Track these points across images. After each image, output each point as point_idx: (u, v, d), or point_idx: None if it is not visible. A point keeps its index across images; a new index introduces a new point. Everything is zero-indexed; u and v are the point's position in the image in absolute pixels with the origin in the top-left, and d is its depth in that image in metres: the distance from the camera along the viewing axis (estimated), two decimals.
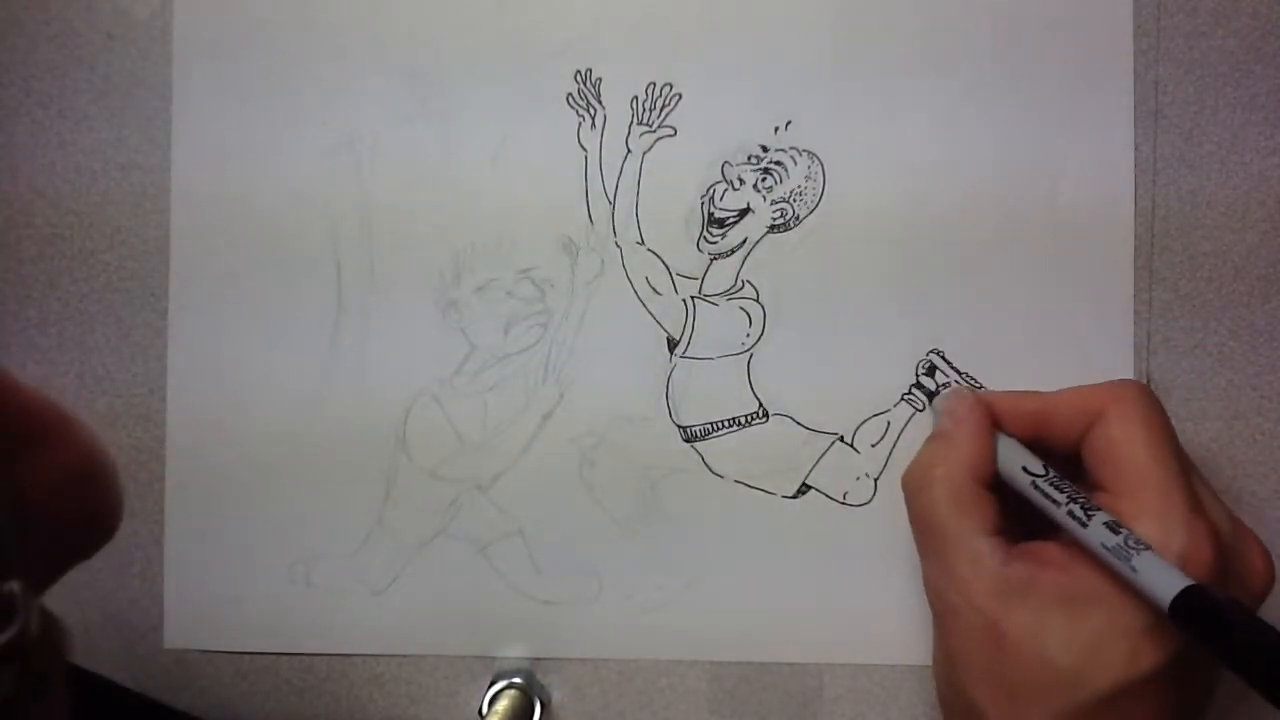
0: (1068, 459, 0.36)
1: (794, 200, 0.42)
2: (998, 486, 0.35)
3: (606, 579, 0.42)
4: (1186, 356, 0.42)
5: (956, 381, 0.41)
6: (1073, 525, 0.32)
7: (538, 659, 0.42)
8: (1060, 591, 0.32)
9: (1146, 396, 0.34)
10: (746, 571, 0.42)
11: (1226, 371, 0.42)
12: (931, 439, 0.37)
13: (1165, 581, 0.29)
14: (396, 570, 0.42)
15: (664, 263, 0.42)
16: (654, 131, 0.42)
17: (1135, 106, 0.41)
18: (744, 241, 0.42)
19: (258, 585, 0.42)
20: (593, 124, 0.42)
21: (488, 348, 0.42)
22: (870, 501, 0.42)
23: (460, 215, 0.42)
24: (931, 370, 0.41)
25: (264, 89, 0.42)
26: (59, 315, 0.43)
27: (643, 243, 0.42)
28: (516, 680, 0.41)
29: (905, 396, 0.42)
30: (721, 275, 0.42)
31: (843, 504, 0.42)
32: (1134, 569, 0.30)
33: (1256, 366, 0.42)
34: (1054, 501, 0.33)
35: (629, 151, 0.42)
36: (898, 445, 0.41)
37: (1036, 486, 0.33)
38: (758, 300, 0.42)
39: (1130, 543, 0.30)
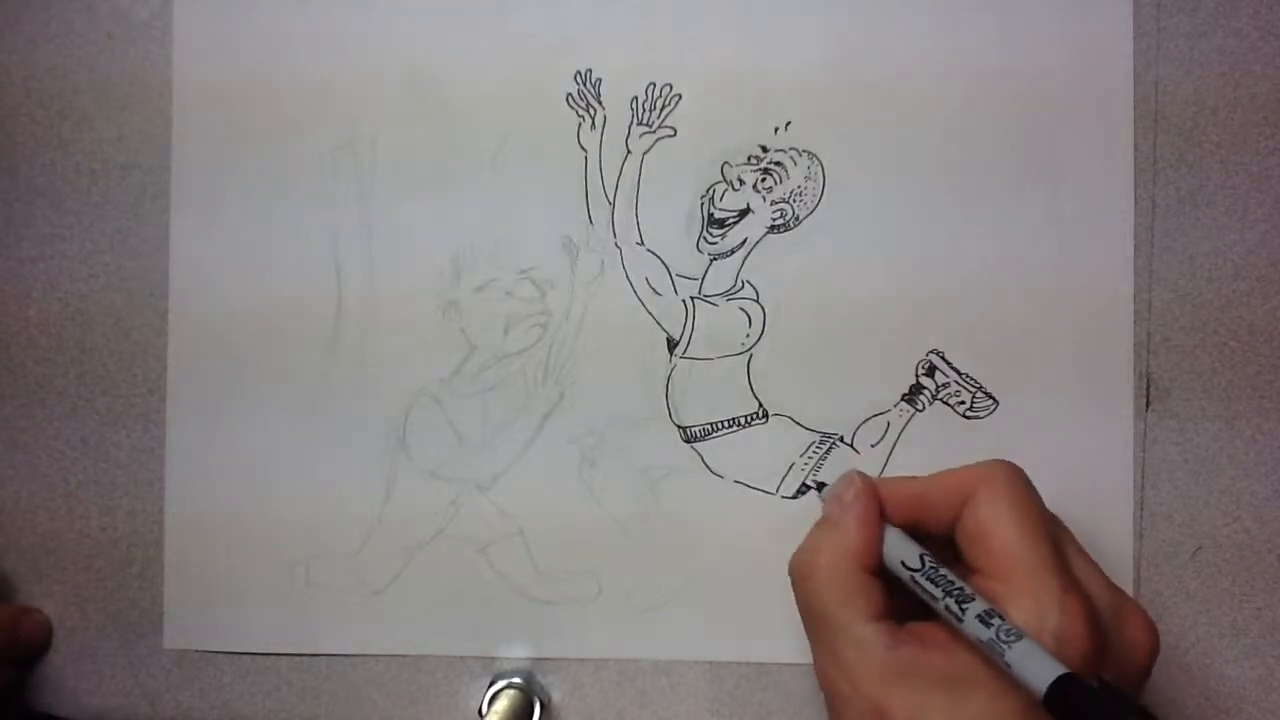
0: (948, 541, 0.35)
1: (794, 200, 0.42)
2: (883, 571, 0.35)
3: (606, 579, 0.42)
4: (1186, 356, 0.42)
5: (956, 382, 0.41)
6: (949, 618, 0.32)
7: (538, 659, 0.42)
8: (942, 674, 0.32)
9: (1013, 475, 0.34)
10: (746, 571, 0.42)
11: (1226, 371, 0.42)
12: (819, 525, 0.36)
13: (1039, 671, 0.29)
14: (396, 570, 0.42)
15: (664, 263, 0.42)
16: (654, 131, 0.42)
17: (1135, 106, 0.41)
18: (744, 242, 0.42)
19: (258, 585, 0.42)
20: (593, 124, 0.42)
21: (488, 348, 0.42)
22: None
23: (460, 215, 0.42)
24: (931, 370, 0.41)
25: (264, 89, 0.42)
26: (59, 316, 0.43)
27: (643, 243, 0.42)
28: (516, 680, 0.41)
29: (905, 396, 0.42)
30: (721, 275, 0.42)
31: None
32: (1008, 663, 0.30)
33: (1256, 366, 0.42)
34: (931, 595, 0.33)
35: (629, 152, 0.42)
36: (898, 445, 0.41)
37: (915, 581, 0.34)
38: (758, 300, 0.42)
39: (1002, 635, 0.30)
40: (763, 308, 0.42)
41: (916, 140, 0.42)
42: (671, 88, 0.42)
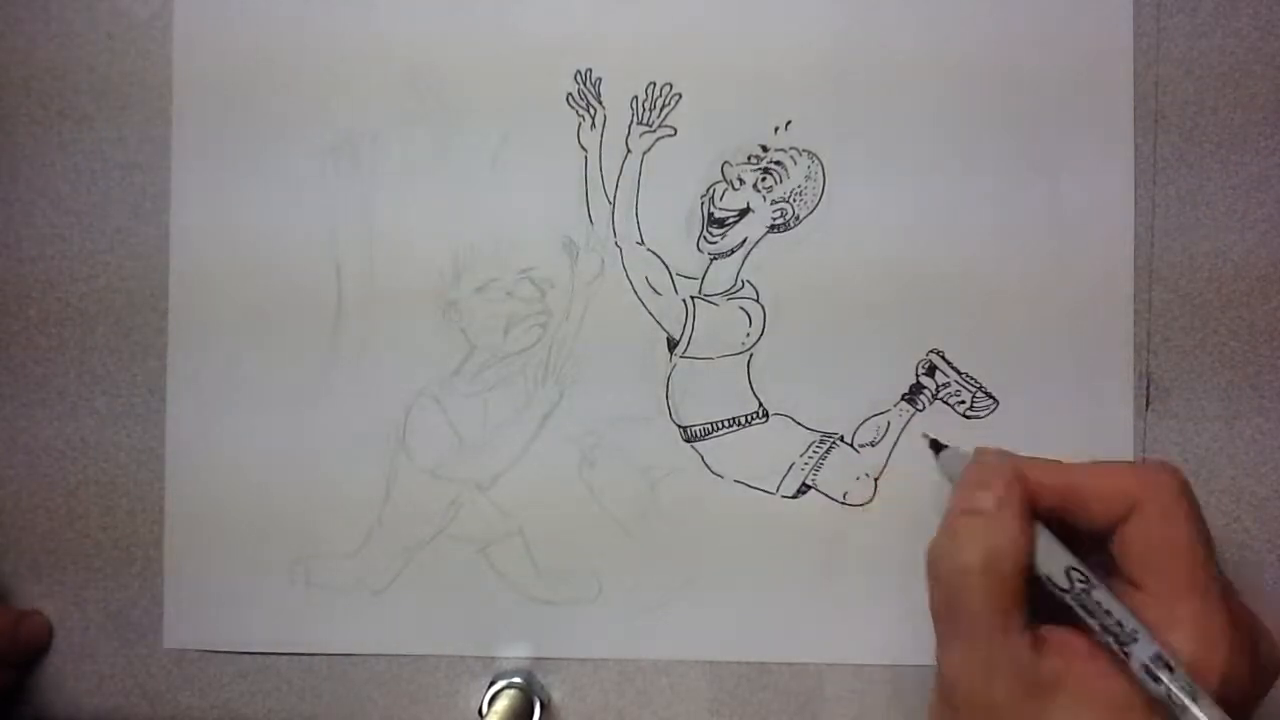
0: (1090, 538, 0.34)
1: (794, 200, 0.42)
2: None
3: (606, 579, 0.42)
4: (1186, 356, 0.42)
5: (957, 382, 0.41)
6: (1109, 650, 0.31)
7: (538, 659, 0.42)
8: (1092, 693, 0.31)
9: (1184, 489, 0.33)
10: (746, 571, 0.42)
11: (1226, 371, 0.42)
12: (966, 514, 0.34)
13: (1188, 696, 0.29)
14: (396, 570, 0.42)
15: (664, 263, 0.42)
16: (654, 131, 0.42)
17: (1135, 106, 0.41)
18: (744, 241, 0.42)
19: (258, 585, 0.42)
20: (593, 124, 0.42)
21: (488, 348, 0.42)
22: (870, 501, 0.42)
23: (460, 215, 0.42)
24: (931, 370, 0.41)
25: (264, 89, 0.42)
26: (59, 315, 0.43)
27: (643, 243, 0.42)
28: (516, 680, 0.41)
29: (905, 396, 0.42)
30: (721, 275, 0.42)
31: (843, 504, 0.42)
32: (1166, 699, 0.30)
33: (1256, 366, 0.42)
34: (1084, 622, 0.32)
35: (629, 151, 0.42)
36: (898, 445, 0.41)
37: (1075, 597, 0.32)
38: (758, 300, 0.42)
39: (1177, 691, 0.30)
40: (763, 307, 0.42)
41: (916, 140, 0.42)
42: (671, 87, 0.42)
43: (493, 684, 0.42)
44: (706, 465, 0.42)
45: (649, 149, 0.42)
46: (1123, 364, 0.41)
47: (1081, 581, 0.32)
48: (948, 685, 0.33)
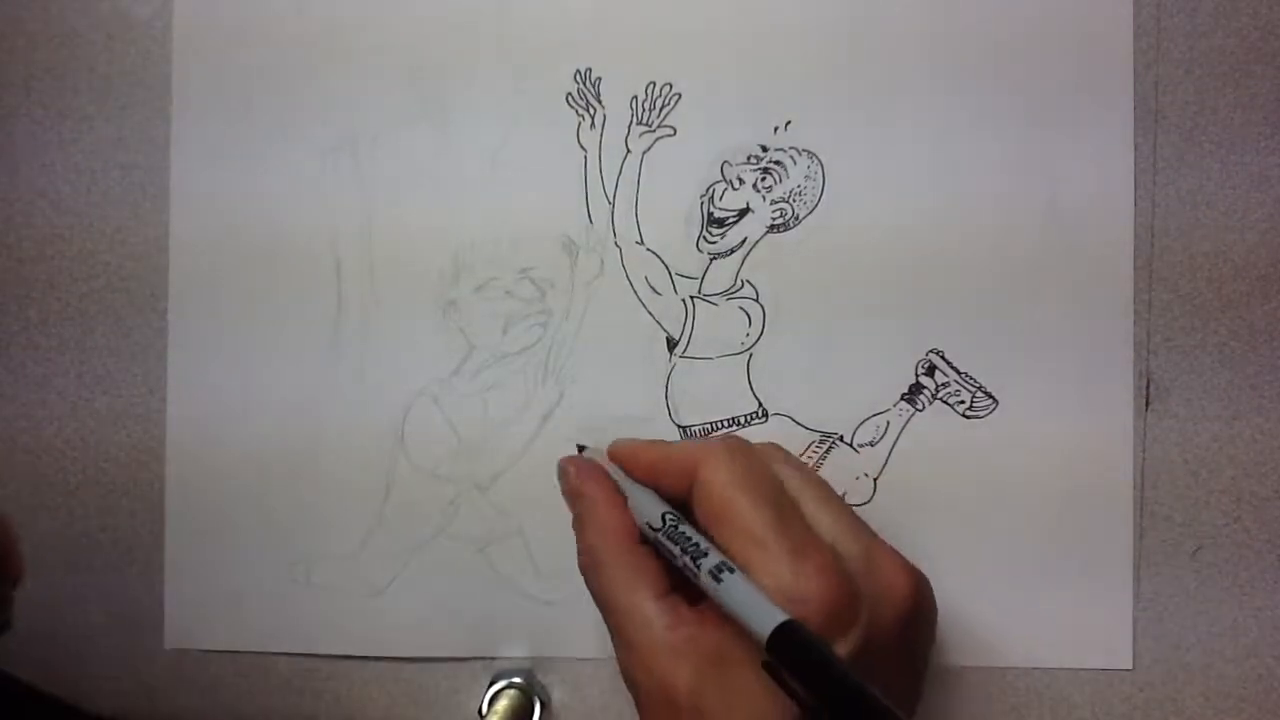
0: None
1: (793, 200, 0.42)
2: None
3: None
4: (1186, 356, 0.42)
5: (956, 381, 0.41)
6: (690, 575, 0.32)
7: (538, 659, 0.42)
8: (714, 651, 0.32)
9: (732, 447, 0.34)
10: None
11: (1226, 371, 0.42)
12: (574, 527, 0.37)
13: (763, 619, 0.29)
14: (396, 570, 0.42)
15: (664, 262, 0.42)
16: (654, 131, 0.42)
17: (1135, 106, 0.41)
18: (744, 241, 0.42)
19: (258, 585, 0.42)
20: (592, 124, 0.42)
21: (487, 347, 0.42)
22: (869, 501, 0.42)
23: (460, 215, 0.42)
24: (931, 370, 0.41)
25: (263, 89, 0.42)
26: (59, 315, 0.43)
27: (642, 242, 0.42)
28: (516, 680, 0.41)
29: (905, 396, 0.42)
30: (721, 275, 0.42)
31: None
32: (733, 614, 0.30)
33: (1256, 366, 0.42)
34: (672, 554, 0.33)
35: (629, 151, 0.42)
36: (897, 445, 0.41)
37: (659, 542, 0.33)
38: (757, 300, 0.42)
39: (727, 587, 0.30)
40: (762, 307, 0.42)
41: (916, 140, 0.42)
42: (671, 87, 0.42)
43: (493, 684, 0.42)
44: None
45: (649, 149, 0.42)
46: (1123, 364, 0.41)
47: (672, 519, 0.34)
48: (623, 679, 0.34)
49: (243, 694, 0.43)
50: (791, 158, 0.42)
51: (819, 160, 0.42)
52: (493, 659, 0.42)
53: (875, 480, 0.42)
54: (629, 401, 0.42)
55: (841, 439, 0.42)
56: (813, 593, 0.31)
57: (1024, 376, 0.41)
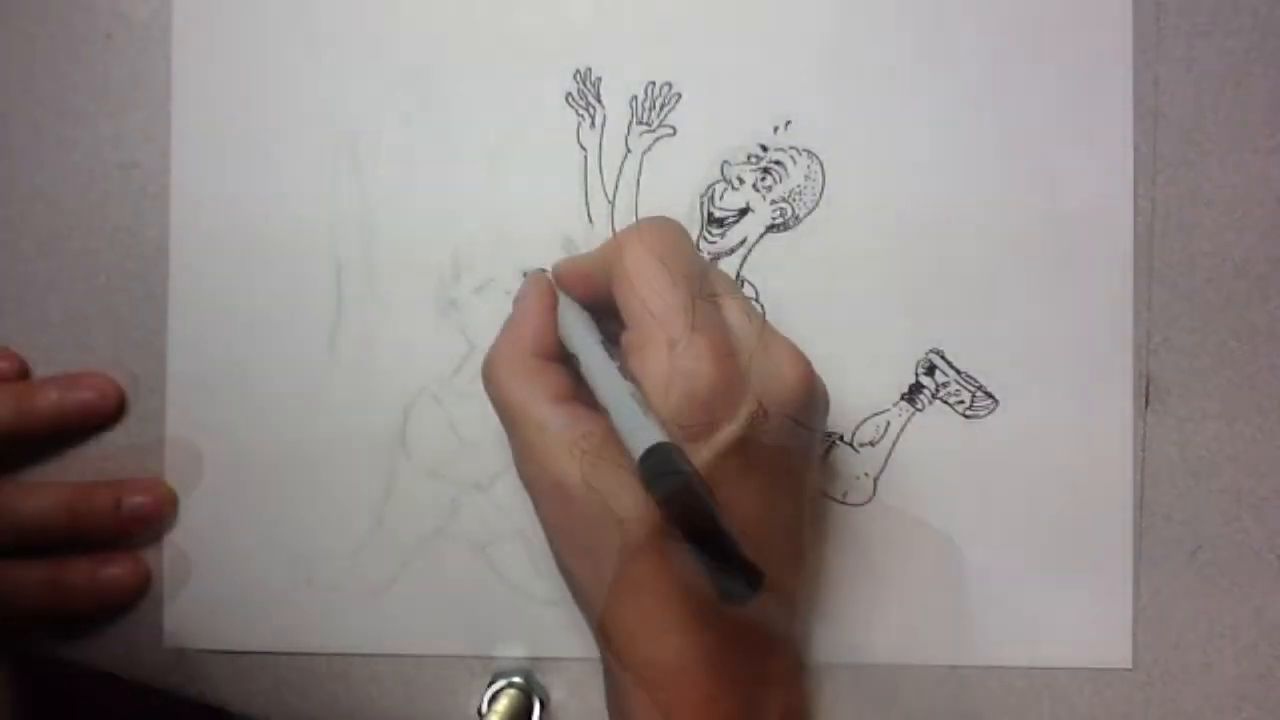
0: None
1: (793, 200, 0.42)
2: (570, 358, 0.36)
3: None
4: (1186, 356, 0.42)
5: (956, 381, 0.41)
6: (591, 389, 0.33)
7: (538, 659, 0.42)
8: (606, 442, 0.33)
9: (655, 225, 0.35)
10: None
11: (1226, 371, 0.42)
12: (502, 329, 0.38)
13: (643, 438, 0.30)
14: (396, 570, 0.42)
15: None
16: (654, 131, 0.42)
17: (1135, 106, 0.41)
18: (743, 241, 0.42)
19: (257, 585, 0.42)
20: (592, 123, 0.42)
21: (487, 347, 0.42)
22: (870, 501, 0.42)
23: (460, 215, 0.42)
24: (931, 370, 0.41)
25: (263, 89, 0.42)
26: (59, 315, 0.43)
27: None
28: (516, 680, 0.41)
29: (905, 396, 0.42)
30: None
31: (842, 503, 0.42)
32: (617, 430, 0.31)
33: (1256, 366, 0.42)
34: (579, 369, 0.34)
35: (629, 151, 0.42)
36: (897, 445, 0.41)
37: (576, 359, 0.34)
38: (757, 300, 0.42)
39: (616, 399, 0.32)
40: (762, 307, 0.42)
41: (916, 140, 0.42)
42: (671, 87, 0.42)
43: (492, 684, 0.42)
44: None
45: (648, 148, 0.42)
46: (1122, 364, 0.41)
47: (585, 337, 0.35)
48: (522, 482, 0.36)
49: (242, 694, 0.43)
50: (791, 157, 0.42)
51: (819, 160, 0.42)
52: (492, 658, 0.42)
53: (875, 480, 0.42)
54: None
55: (841, 438, 0.42)
56: (703, 372, 0.32)
57: (1024, 376, 0.41)
